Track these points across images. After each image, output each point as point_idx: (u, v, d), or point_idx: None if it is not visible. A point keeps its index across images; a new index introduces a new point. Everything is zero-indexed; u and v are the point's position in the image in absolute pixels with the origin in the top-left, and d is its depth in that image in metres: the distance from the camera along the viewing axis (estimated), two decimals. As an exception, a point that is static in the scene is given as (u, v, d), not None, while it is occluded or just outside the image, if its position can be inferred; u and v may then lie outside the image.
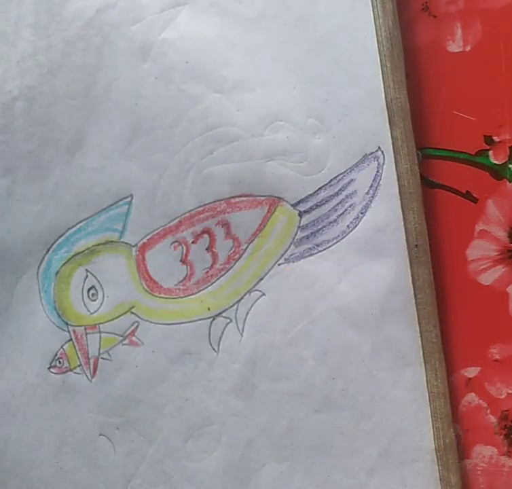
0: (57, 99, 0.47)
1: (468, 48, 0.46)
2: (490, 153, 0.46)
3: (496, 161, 0.46)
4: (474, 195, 0.46)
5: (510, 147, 0.46)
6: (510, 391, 0.47)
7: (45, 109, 0.47)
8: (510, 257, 0.46)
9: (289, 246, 0.46)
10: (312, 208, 0.46)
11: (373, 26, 0.44)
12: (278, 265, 0.46)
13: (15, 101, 0.47)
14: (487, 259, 0.46)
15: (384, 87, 0.44)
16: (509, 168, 0.46)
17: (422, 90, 0.46)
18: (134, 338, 0.48)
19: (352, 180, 0.45)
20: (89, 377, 0.48)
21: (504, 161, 0.46)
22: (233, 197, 0.46)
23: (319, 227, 0.46)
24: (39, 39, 0.47)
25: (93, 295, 0.48)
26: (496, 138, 0.46)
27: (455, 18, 0.46)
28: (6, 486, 0.50)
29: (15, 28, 0.47)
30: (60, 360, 0.49)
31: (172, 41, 0.46)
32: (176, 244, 0.47)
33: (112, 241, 0.47)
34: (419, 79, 0.46)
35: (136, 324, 0.48)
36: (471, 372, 0.47)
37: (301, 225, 0.46)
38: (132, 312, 0.48)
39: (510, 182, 0.46)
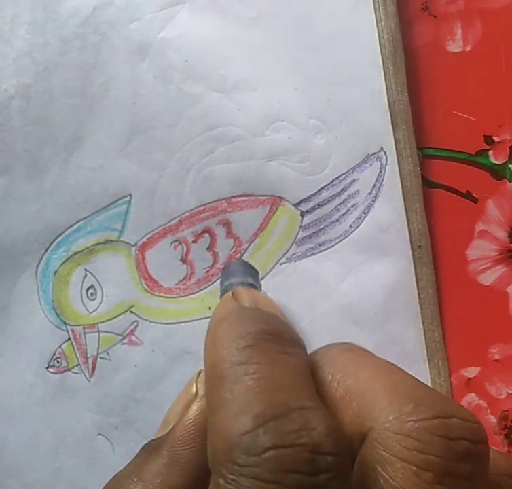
0: (54, 97, 0.47)
1: (468, 48, 0.46)
2: (490, 153, 0.46)
3: (496, 161, 0.46)
4: (474, 195, 0.46)
5: (510, 147, 0.46)
6: (510, 391, 0.47)
7: (42, 107, 0.47)
8: (510, 257, 0.46)
9: (291, 246, 0.46)
10: (314, 208, 0.46)
11: (375, 27, 0.44)
12: (280, 264, 0.46)
13: (12, 100, 0.47)
14: (487, 259, 0.46)
15: (387, 90, 0.44)
16: (509, 168, 0.46)
17: (422, 90, 0.46)
18: (133, 337, 0.48)
19: (354, 180, 0.45)
20: (88, 376, 0.48)
21: (504, 161, 0.46)
22: (234, 196, 0.46)
23: (321, 227, 0.46)
24: (35, 37, 0.46)
25: (92, 294, 0.48)
26: (496, 138, 0.46)
27: (455, 18, 0.46)
28: (3, 487, 0.49)
29: (11, 25, 0.46)
30: (58, 359, 0.48)
31: (171, 39, 0.46)
32: (177, 243, 0.47)
33: (111, 240, 0.47)
34: (419, 79, 0.46)
35: (136, 323, 0.48)
36: (471, 372, 0.47)
37: (303, 224, 0.46)
38: (132, 312, 0.47)
39: (510, 182, 0.46)
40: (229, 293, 0.32)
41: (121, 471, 0.30)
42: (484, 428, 0.24)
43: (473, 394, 0.47)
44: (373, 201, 0.45)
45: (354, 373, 0.26)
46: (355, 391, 0.25)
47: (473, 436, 0.23)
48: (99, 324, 0.48)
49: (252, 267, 0.42)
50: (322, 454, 0.22)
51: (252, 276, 0.41)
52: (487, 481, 0.23)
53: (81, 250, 0.48)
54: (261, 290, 0.43)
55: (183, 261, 0.47)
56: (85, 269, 0.48)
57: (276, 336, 0.27)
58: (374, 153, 0.45)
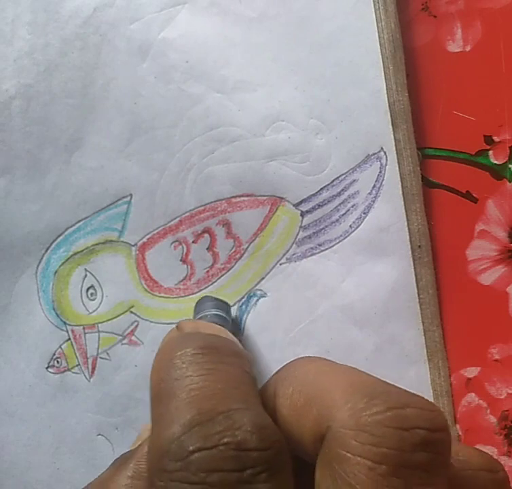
0: (54, 98, 0.47)
1: (468, 48, 0.46)
2: (490, 153, 0.46)
3: (496, 161, 0.46)
4: (474, 195, 0.46)
5: (510, 147, 0.46)
6: (510, 391, 0.47)
7: (43, 107, 0.47)
8: (510, 257, 0.46)
9: (291, 246, 0.46)
10: (314, 208, 0.46)
11: (376, 28, 0.44)
12: (280, 264, 0.46)
13: (13, 100, 0.47)
14: (487, 259, 0.46)
15: (387, 90, 0.44)
16: (509, 168, 0.46)
17: (422, 90, 0.46)
18: (133, 337, 0.48)
19: (354, 180, 0.45)
20: (88, 376, 0.48)
21: (504, 161, 0.46)
22: (234, 196, 0.46)
23: (321, 227, 0.46)
24: (36, 38, 0.46)
25: (92, 294, 0.48)
26: (496, 138, 0.46)
27: (455, 18, 0.46)
28: (3, 487, 0.49)
29: (12, 26, 0.47)
30: (58, 359, 0.48)
31: (172, 40, 0.46)
32: (177, 243, 0.47)
33: (111, 240, 0.47)
34: (419, 79, 0.46)
35: (136, 323, 0.48)
36: (471, 372, 0.47)
37: (303, 224, 0.46)
38: (132, 312, 0.47)
39: (510, 182, 0.46)
40: (174, 326, 0.33)
41: (93, 480, 0.31)
42: (443, 416, 0.23)
43: (473, 394, 0.47)
44: (373, 201, 0.45)
45: (314, 381, 0.26)
46: (315, 397, 0.25)
47: (430, 424, 0.23)
48: (99, 325, 0.48)
49: (221, 300, 0.45)
50: (247, 451, 0.23)
51: (220, 308, 0.44)
52: (448, 469, 0.23)
53: (81, 251, 0.48)
54: (230, 319, 0.44)
55: (183, 261, 0.47)
56: (86, 270, 0.48)
57: (211, 349, 0.28)
58: (374, 154, 0.45)
